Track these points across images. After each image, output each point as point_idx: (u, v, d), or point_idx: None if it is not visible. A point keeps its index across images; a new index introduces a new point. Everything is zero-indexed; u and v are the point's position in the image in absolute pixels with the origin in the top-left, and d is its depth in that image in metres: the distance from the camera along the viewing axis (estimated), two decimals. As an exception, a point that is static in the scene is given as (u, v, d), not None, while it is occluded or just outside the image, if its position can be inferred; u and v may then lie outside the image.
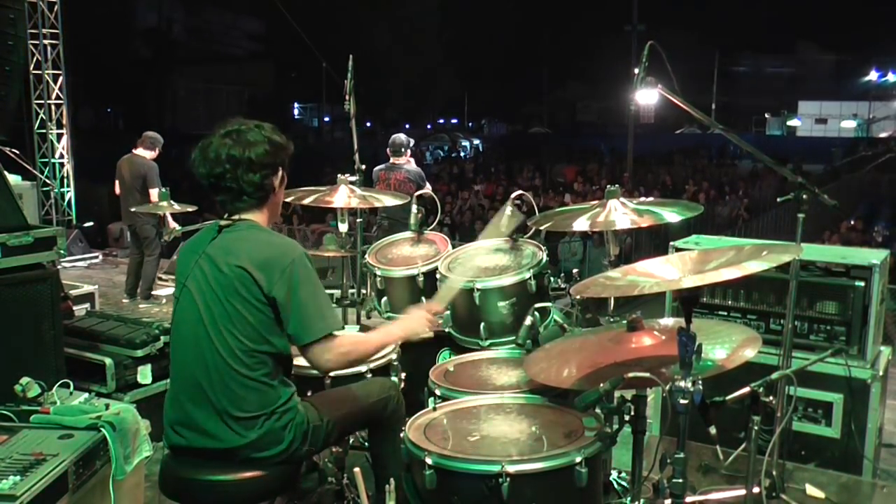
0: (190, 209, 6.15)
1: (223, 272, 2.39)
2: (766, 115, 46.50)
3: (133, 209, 7.31)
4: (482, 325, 3.37)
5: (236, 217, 2.50)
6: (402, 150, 7.20)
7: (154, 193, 7.52)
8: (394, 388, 2.87)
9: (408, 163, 7.28)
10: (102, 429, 2.70)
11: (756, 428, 2.58)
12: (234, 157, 2.44)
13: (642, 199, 3.58)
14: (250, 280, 2.37)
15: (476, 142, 41.62)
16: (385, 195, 4.30)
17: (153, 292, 8.01)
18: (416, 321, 2.75)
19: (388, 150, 7.29)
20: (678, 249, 3.75)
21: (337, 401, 2.69)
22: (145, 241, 7.78)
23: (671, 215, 3.10)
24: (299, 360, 2.96)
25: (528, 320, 3.13)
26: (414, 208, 4.00)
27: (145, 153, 7.71)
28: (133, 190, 7.63)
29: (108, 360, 4.00)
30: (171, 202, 6.08)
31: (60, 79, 11.07)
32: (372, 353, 2.65)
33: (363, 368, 3.22)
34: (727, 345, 2.57)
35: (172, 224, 7.49)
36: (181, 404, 2.46)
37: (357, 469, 2.61)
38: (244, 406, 2.39)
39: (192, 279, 2.46)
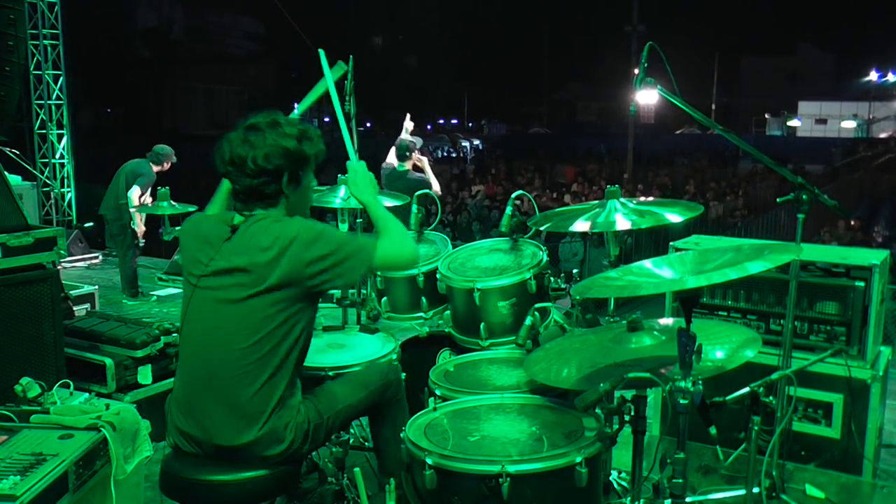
0: (191, 209, 6.15)
1: (240, 272, 2.38)
2: (766, 116, 46.50)
3: (132, 209, 7.31)
4: (482, 325, 3.37)
5: (247, 213, 2.48)
6: (408, 153, 6.86)
7: (134, 192, 7.52)
8: (392, 370, 2.90)
9: (413, 167, 6.93)
10: (102, 429, 2.69)
11: (756, 428, 2.58)
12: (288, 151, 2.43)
13: (643, 198, 3.57)
14: (266, 273, 2.36)
15: (476, 142, 41.63)
16: (385, 195, 4.28)
17: (154, 292, 8.03)
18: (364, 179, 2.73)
19: (394, 153, 6.99)
20: (678, 249, 3.75)
21: (337, 395, 2.69)
22: (116, 238, 7.83)
23: (672, 216, 3.08)
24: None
25: (528, 320, 3.13)
26: (414, 208, 3.99)
27: (153, 167, 7.79)
28: (123, 184, 7.63)
29: (108, 361, 4.00)
30: (172, 202, 6.08)
31: (60, 79, 11.05)
32: (397, 222, 2.60)
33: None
34: (727, 345, 2.56)
35: (141, 227, 7.53)
36: (189, 401, 2.46)
37: (357, 469, 2.61)
38: (252, 405, 2.39)
39: (206, 279, 2.44)
